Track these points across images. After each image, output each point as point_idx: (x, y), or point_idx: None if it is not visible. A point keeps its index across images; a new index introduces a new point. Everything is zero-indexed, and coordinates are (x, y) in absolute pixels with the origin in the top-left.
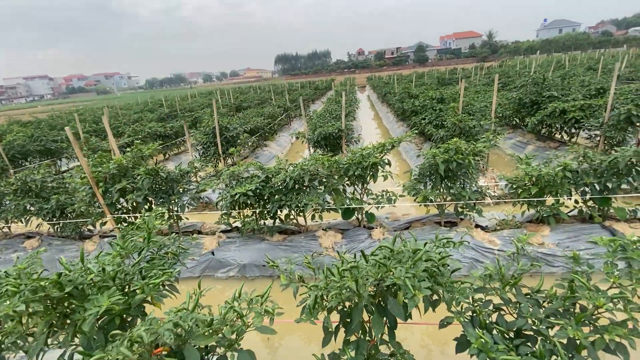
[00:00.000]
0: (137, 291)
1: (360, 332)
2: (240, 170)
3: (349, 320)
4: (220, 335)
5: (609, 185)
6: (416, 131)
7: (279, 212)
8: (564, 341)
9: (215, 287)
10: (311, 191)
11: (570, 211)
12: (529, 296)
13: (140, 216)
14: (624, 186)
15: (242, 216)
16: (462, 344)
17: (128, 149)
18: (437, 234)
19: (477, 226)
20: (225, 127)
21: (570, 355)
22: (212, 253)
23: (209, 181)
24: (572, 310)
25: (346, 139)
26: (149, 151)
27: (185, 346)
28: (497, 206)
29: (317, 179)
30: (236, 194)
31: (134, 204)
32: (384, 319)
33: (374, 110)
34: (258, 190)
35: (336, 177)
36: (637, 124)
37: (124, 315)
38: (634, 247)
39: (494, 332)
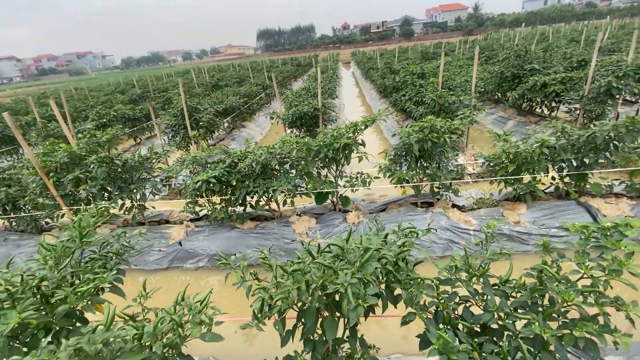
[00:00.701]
0: (68, 300)
1: (322, 332)
2: (203, 155)
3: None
4: (153, 350)
5: (586, 160)
6: (392, 109)
7: (248, 199)
8: (530, 336)
9: (184, 278)
10: (281, 176)
11: (547, 188)
12: (497, 287)
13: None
14: (601, 161)
15: (209, 204)
16: (424, 341)
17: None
18: (400, 224)
19: (454, 206)
20: (195, 108)
21: (536, 352)
22: (180, 244)
23: (173, 167)
24: (540, 302)
25: (324, 119)
26: (107, 136)
27: None
28: (477, 184)
29: (288, 163)
30: (198, 182)
31: (91, 195)
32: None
33: (359, 87)
34: (223, 177)
35: (308, 159)
36: (617, 96)
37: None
38: (608, 234)
39: (460, 327)
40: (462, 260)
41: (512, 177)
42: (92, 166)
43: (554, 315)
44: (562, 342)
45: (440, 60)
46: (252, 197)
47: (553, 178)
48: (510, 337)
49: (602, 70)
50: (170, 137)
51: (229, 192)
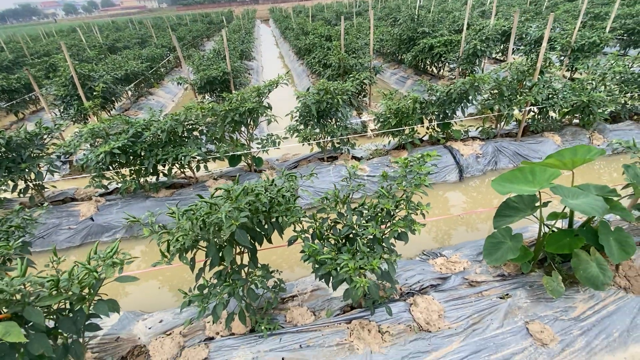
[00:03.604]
0: None
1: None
2: (103, 127)
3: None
4: (69, 293)
5: (448, 112)
6: (308, 70)
7: (160, 168)
8: (371, 237)
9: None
10: (190, 142)
11: (423, 136)
12: (356, 209)
13: None
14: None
15: (118, 176)
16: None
17: None
18: (284, 171)
19: (353, 157)
20: (88, 76)
21: (373, 245)
22: (92, 219)
23: (70, 142)
24: (380, 214)
25: (236, 83)
26: None
27: (26, 308)
28: (378, 138)
29: (198, 129)
30: (101, 154)
31: None
32: (240, 247)
33: (279, 48)
34: (128, 147)
35: (217, 125)
36: (480, 56)
37: None
38: (418, 162)
39: (331, 241)
40: (332, 194)
41: (396, 130)
42: None
43: (386, 221)
44: (388, 237)
45: (350, 22)
46: (164, 166)
47: (427, 128)
48: (361, 240)
49: (472, 34)
50: (62, 110)
51: (138, 163)
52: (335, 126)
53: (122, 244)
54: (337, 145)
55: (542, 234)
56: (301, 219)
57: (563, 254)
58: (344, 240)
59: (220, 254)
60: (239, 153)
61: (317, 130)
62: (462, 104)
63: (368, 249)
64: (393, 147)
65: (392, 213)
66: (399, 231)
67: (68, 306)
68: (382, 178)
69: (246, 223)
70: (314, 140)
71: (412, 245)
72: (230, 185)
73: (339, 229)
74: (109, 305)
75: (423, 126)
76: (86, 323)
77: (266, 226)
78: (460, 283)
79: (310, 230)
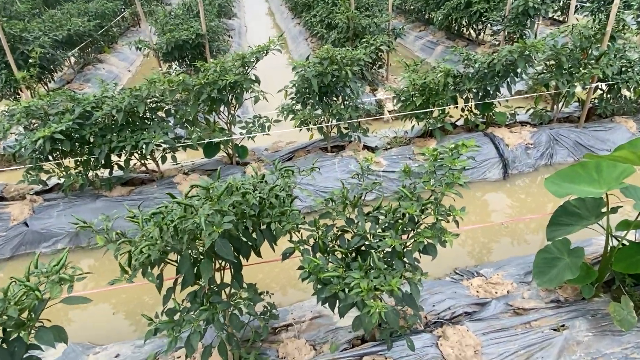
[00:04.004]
0: None
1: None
2: (42, 105)
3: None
4: (4, 317)
5: (489, 89)
6: (306, 32)
7: (115, 158)
8: (389, 250)
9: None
10: (154, 125)
11: (457, 120)
12: (370, 214)
13: None
14: (519, 89)
15: (60, 169)
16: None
17: None
18: (277, 164)
19: (366, 147)
20: (19, 38)
21: (392, 261)
22: (26, 224)
23: None
24: (402, 221)
25: (213, 48)
26: None
27: None
28: (398, 122)
29: (162, 108)
30: (38, 139)
31: None
32: (221, 262)
33: (268, 3)
34: (74, 131)
35: (189, 103)
36: (533, 16)
37: None
38: (450, 154)
39: (338, 255)
40: (339, 194)
41: (422, 111)
42: None
43: (408, 229)
44: (409, 249)
45: None
46: (120, 156)
47: (462, 110)
48: (371, 254)
49: None
50: None
51: (87, 152)
52: (342, 106)
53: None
54: (344, 132)
55: (609, 248)
56: (299, 225)
57: (636, 274)
58: (354, 254)
59: (196, 270)
60: (217, 140)
61: (319, 112)
62: (508, 79)
63: (385, 265)
64: (417, 134)
65: (416, 220)
66: (425, 243)
67: (2, 334)
68: (403, 174)
69: (230, 230)
70: (315, 124)
71: (441, 262)
72: (209, 181)
73: (348, 240)
74: (54, 333)
75: (457, 107)
76: (24, 356)
77: (254, 235)
78: (502, 310)
79: (311, 241)
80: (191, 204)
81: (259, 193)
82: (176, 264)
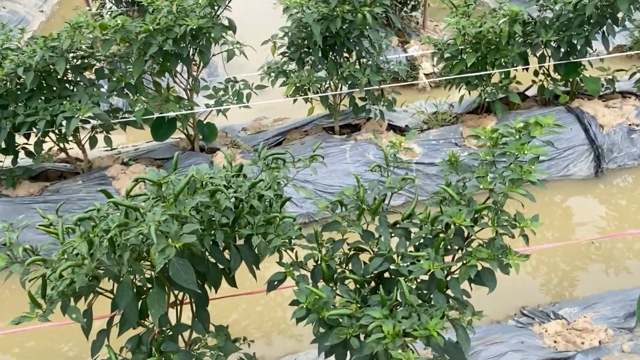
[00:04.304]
0: None
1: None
2: None
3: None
4: None
5: (576, 43)
6: None
7: (21, 140)
8: (425, 277)
9: None
10: (80, 92)
11: (527, 89)
12: (397, 226)
13: None
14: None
15: None
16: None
17: None
18: (262, 150)
19: (391, 127)
20: None
21: (429, 294)
22: None
23: None
24: (443, 236)
25: None
26: None
27: None
28: (438, 90)
29: (91, 66)
30: None
31: None
32: (181, 294)
33: None
34: None
35: (131, 59)
36: None
37: None
38: (517, 137)
39: (349, 284)
40: (353, 195)
41: (475, 74)
42: None
43: (453, 247)
44: (458, 278)
45: None
46: (28, 137)
47: (535, 73)
48: (399, 283)
49: None
50: None
51: None
52: (357, 66)
53: None
54: (360, 104)
55: None
56: (293, 240)
57: None
58: (373, 283)
59: (141, 304)
60: (172, 114)
61: (323, 74)
62: (604, 28)
63: (420, 300)
64: (468, 108)
65: (466, 233)
66: (479, 268)
67: None
68: (447, 166)
69: (193, 246)
70: (317, 92)
71: (502, 296)
72: (161, 174)
73: (365, 262)
74: None
75: (527, 69)
76: None
77: (227, 254)
78: None
79: (311, 264)
80: (135, 206)
81: (235, 192)
82: (112, 296)
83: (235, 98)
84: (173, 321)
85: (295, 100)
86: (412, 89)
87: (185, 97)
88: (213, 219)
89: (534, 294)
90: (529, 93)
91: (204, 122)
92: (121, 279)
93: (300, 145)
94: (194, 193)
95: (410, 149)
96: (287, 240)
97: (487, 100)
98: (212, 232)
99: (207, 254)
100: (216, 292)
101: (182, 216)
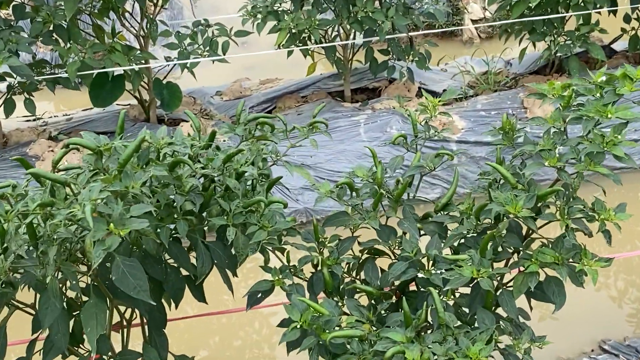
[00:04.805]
0: None
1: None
2: None
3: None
4: None
5: None
6: None
7: None
8: (467, 290)
9: None
10: None
11: (614, 41)
12: (428, 219)
13: None
14: None
15: None
16: (285, 323)
17: None
18: (240, 111)
19: (423, 91)
20: None
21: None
22: None
23: None
24: (493, 233)
25: None
26: None
27: None
28: (492, 42)
29: (10, 2)
30: None
31: None
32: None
33: None
34: None
35: None
36: None
37: None
38: (598, 94)
39: (360, 299)
40: (368, 176)
41: (541, 18)
42: None
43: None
44: (514, 291)
45: None
46: None
47: (627, 19)
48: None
49: None
50: None
51: None
52: (376, 5)
53: None
54: (379, 60)
55: None
56: (284, 236)
57: None
58: (394, 297)
59: (73, 323)
60: (118, 70)
61: (329, 16)
62: None
63: (458, 322)
64: (532, 67)
65: (524, 230)
66: (542, 276)
67: None
68: (499, 137)
69: (144, 239)
70: (320, 42)
71: (572, 322)
72: (100, 139)
73: (382, 269)
74: None
75: (615, 13)
76: None
77: (194, 253)
78: None
79: (308, 269)
80: (65, 180)
81: (204, 167)
82: (34, 311)
83: (207, 49)
84: (118, 347)
85: (290, 53)
86: (453, 39)
87: (138, 46)
88: (173, 203)
89: (617, 321)
90: (617, 46)
91: (164, 82)
92: (45, 285)
93: (296, 115)
94: (147, 165)
95: (449, 121)
96: (276, 237)
97: (558, 55)
98: (171, 218)
99: (164, 253)
100: (176, 307)
101: (129, 194)
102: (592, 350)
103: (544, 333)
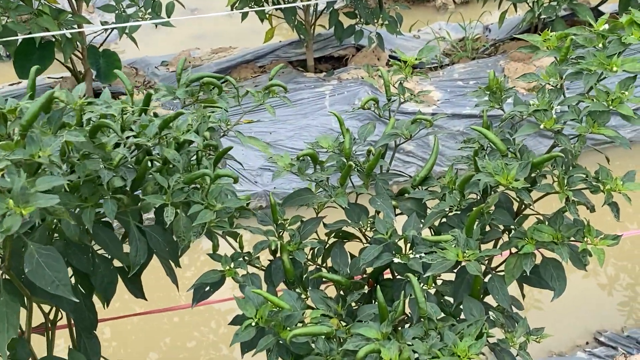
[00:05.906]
0: None
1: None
2: None
3: None
4: None
5: None
6: None
7: None
8: (451, 276)
9: None
10: None
11: (603, 2)
12: (406, 196)
13: None
14: None
15: None
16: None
17: None
18: (181, 71)
19: (393, 60)
20: None
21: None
22: None
23: None
24: (480, 209)
25: None
26: None
27: None
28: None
29: None
30: None
31: None
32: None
33: None
34: None
35: None
36: None
37: None
38: (601, 45)
39: (326, 290)
40: (335, 146)
41: None
42: None
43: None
44: (505, 277)
45: None
46: None
47: None
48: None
49: None
50: None
51: None
52: None
53: None
54: (344, 24)
55: None
56: (237, 218)
57: None
58: (366, 286)
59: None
60: (47, 35)
61: None
62: None
63: (442, 313)
64: (512, 32)
65: (516, 205)
66: (537, 258)
67: None
68: (484, 97)
69: (61, 220)
70: (277, 1)
71: (566, 313)
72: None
73: (352, 255)
74: None
75: None
76: None
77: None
78: None
79: (265, 257)
80: None
81: (137, 136)
82: None
83: (149, 11)
84: (40, 354)
85: (244, 16)
86: (426, 5)
87: (69, 9)
88: (99, 178)
89: (615, 311)
90: (606, 8)
91: (100, 50)
92: None
93: (253, 87)
94: (62, 127)
95: (421, 92)
96: (224, 218)
97: (542, 18)
98: (97, 195)
99: (88, 239)
100: (107, 304)
101: (35, 164)
102: (587, 343)
103: (530, 325)
